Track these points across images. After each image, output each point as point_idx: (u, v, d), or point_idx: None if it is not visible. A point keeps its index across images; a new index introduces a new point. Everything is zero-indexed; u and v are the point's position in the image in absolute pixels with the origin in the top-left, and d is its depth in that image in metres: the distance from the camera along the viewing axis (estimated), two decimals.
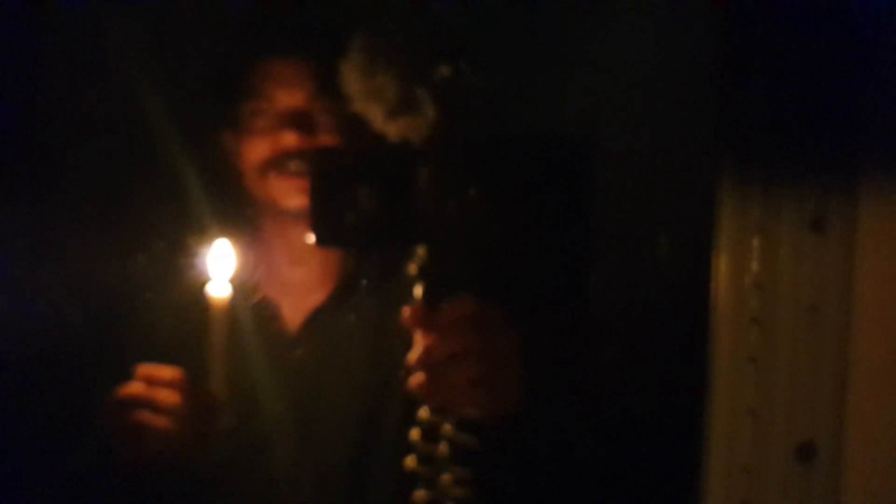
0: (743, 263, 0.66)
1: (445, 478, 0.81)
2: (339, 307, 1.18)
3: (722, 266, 0.67)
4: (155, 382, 0.93)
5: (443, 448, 0.81)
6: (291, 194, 1.12)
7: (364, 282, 1.19)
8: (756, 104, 0.69)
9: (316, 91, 1.12)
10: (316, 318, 1.18)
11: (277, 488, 1.08)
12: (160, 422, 0.91)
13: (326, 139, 1.13)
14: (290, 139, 1.11)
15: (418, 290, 0.80)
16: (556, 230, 0.77)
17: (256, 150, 1.14)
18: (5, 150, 1.13)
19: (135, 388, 0.93)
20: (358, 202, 0.78)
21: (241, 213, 1.21)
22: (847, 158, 0.66)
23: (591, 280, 0.78)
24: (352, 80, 0.83)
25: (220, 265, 0.99)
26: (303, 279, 1.19)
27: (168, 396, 0.92)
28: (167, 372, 0.94)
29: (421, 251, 0.80)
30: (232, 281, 0.97)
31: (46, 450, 1.02)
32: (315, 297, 1.19)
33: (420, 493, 0.82)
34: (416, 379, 0.79)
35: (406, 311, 0.79)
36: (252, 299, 1.15)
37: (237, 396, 1.00)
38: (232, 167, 1.19)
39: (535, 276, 0.79)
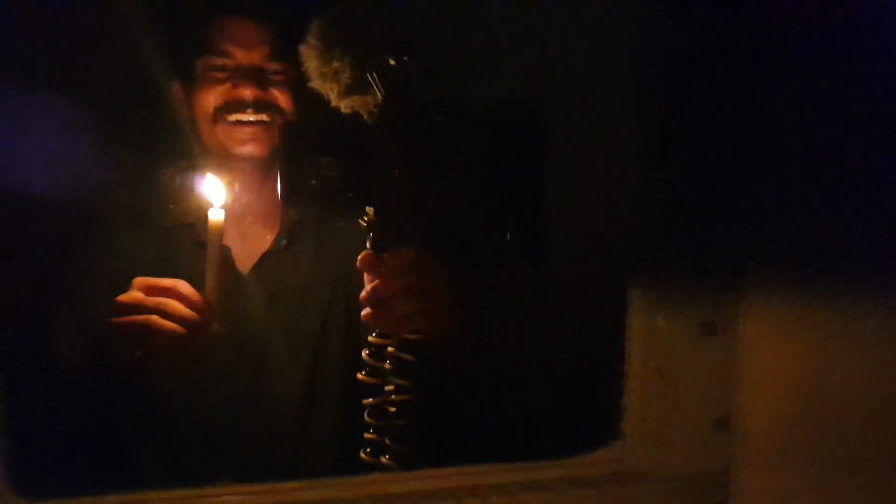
0: None
1: (388, 387, 1.02)
2: (284, 251, 1.35)
3: None
4: (155, 290, 1.08)
5: (387, 365, 1.02)
6: (243, 142, 1.26)
7: (304, 230, 1.36)
8: None
9: (270, 50, 1.26)
10: (263, 261, 1.34)
11: (239, 410, 1.26)
12: (166, 323, 1.06)
13: (277, 93, 1.27)
14: (246, 92, 1.24)
15: (368, 242, 0.99)
16: (490, 190, 0.97)
17: (209, 99, 1.27)
18: None
19: (135, 295, 1.08)
20: (320, 169, 0.95)
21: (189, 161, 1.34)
22: None
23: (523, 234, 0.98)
24: (311, 62, 0.99)
25: (215, 194, 1.14)
26: (250, 227, 1.34)
27: (170, 301, 1.07)
28: (167, 281, 1.09)
29: (369, 210, 0.98)
30: (223, 207, 1.12)
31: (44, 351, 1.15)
32: (262, 243, 1.35)
33: (368, 401, 1.03)
34: (366, 311, 0.99)
35: (358, 258, 0.98)
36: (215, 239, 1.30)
37: None
38: (183, 116, 1.32)
39: (466, 231, 1.00)
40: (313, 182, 0.95)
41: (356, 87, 0.97)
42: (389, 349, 1.02)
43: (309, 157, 0.94)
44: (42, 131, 1.28)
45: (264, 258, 1.35)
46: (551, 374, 1.06)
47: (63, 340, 1.15)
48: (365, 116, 0.99)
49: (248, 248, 1.35)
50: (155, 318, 1.07)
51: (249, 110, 1.23)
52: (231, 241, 1.33)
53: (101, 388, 1.12)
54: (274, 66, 1.26)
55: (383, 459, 1.02)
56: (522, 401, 1.08)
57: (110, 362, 1.10)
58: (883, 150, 0.82)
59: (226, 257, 1.31)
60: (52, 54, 1.26)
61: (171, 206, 1.31)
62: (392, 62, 0.94)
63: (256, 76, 1.25)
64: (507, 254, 1.00)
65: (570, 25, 1.00)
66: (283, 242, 1.35)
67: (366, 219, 0.98)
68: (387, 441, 1.02)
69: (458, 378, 1.04)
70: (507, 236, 1.01)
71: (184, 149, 1.32)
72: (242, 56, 1.26)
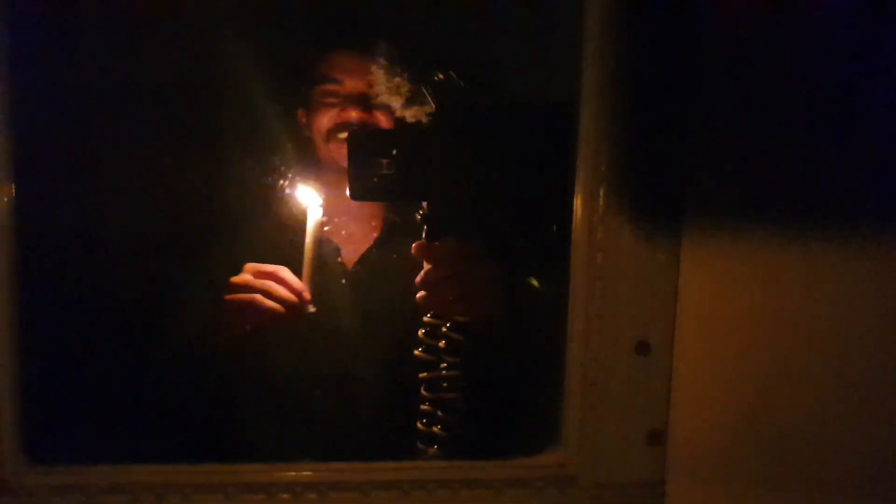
0: None
1: (442, 364, 1.15)
2: (383, 249, 1.52)
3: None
4: (261, 274, 1.29)
5: (441, 343, 1.14)
6: None
7: (400, 231, 1.52)
8: None
9: (371, 77, 1.44)
10: (365, 258, 1.52)
11: (330, 389, 1.43)
12: (268, 302, 1.27)
13: (379, 114, 1.45)
14: (353, 114, 1.44)
15: (423, 233, 1.12)
16: (531, 185, 1.07)
17: (324, 121, 1.48)
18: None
19: (244, 277, 1.30)
20: (380, 169, 1.10)
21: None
22: None
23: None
24: (379, 78, 1.16)
25: (314, 197, 1.35)
26: (355, 227, 1.53)
27: (274, 284, 1.28)
28: (271, 267, 1.29)
29: (424, 204, 1.12)
30: (321, 206, 1.32)
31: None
32: (366, 242, 1.53)
33: (423, 375, 1.16)
34: (420, 294, 1.13)
35: (413, 248, 1.12)
36: (322, 240, 1.50)
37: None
38: (304, 137, 1.54)
39: (511, 222, 1.11)
40: (375, 180, 1.10)
41: (414, 98, 1.12)
42: (443, 329, 1.14)
43: (371, 159, 1.10)
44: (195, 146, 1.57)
45: (366, 255, 1.53)
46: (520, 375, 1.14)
47: (191, 314, 1.39)
48: (423, 123, 1.13)
49: (354, 247, 1.54)
50: (259, 296, 1.28)
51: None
52: (340, 240, 1.53)
53: (214, 356, 1.34)
54: (372, 89, 1.43)
55: (435, 429, 1.14)
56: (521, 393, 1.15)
57: (225, 333, 1.32)
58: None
59: (330, 252, 1.51)
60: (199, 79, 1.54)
61: (288, 207, 1.52)
62: (440, 76, 1.08)
63: (361, 101, 1.44)
64: (550, 245, 1.09)
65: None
66: (381, 243, 1.52)
67: (421, 212, 1.12)
68: (439, 413, 1.14)
69: (503, 356, 1.14)
70: (554, 228, 1.10)
71: (300, 160, 1.55)
72: (350, 83, 1.45)
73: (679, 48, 0.83)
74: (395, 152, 1.10)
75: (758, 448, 0.89)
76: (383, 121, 1.44)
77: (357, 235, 1.55)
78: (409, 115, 1.14)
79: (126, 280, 1.35)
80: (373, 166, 1.11)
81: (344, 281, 1.51)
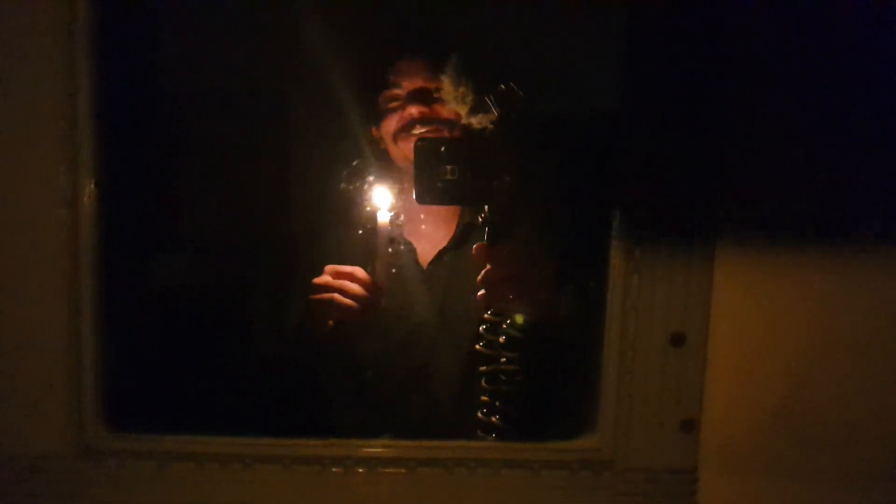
0: None
1: (501, 359, 1.21)
2: (457, 249, 1.60)
3: None
4: (339, 275, 1.40)
5: (500, 339, 1.21)
6: None
7: (474, 231, 1.59)
8: None
9: (429, 74, 1.52)
10: (440, 257, 1.60)
11: (409, 378, 1.53)
12: (344, 300, 1.38)
13: (439, 107, 1.52)
14: (413, 111, 1.52)
15: (485, 235, 1.19)
16: (583, 191, 1.13)
17: (391, 124, 1.57)
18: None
19: (324, 278, 1.41)
20: (444, 175, 1.18)
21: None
22: None
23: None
24: (447, 88, 1.23)
25: (384, 201, 1.45)
26: (430, 228, 1.62)
27: (350, 284, 1.39)
28: (348, 268, 1.40)
29: (486, 207, 1.19)
30: (390, 210, 1.43)
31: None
32: (440, 241, 1.61)
33: (483, 368, 1.23)
34: (481, 293, 1.20)
35: (474, 249, 1.19)
36: (399, 240, 1.60)
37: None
38: (380, 150, 1.64)
39: (566, 227, 1.16)
40: (439, 185, 1.18)
41: (479, 107, 1.19)
42: (503, 326, 1.21)
43: (436, 165, 1.18)
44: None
45: (441, 254, 1.61)
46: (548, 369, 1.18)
47: (283, 309, 1.51)
48: (486, 131, 1.20)
49: (430, 246, 1.62)
50: (337, 295, 1.39)
51: (418, 126, 1.51)
52: (417, 239, 1.61)
53: (303, 347, 1.46)
54: (434, 84, 1.51)
55: (494, 419, 1.21)
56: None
57: (311, 327, 1.44)
58: None
59: (407, 251, 1.60)
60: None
61: (366, 213, 1.63)
62: (502, 87, 1.15)
63: (421, 97, 1.52)
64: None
65: None
66: (456, 242, 1.59)
67: (483, 216, 1.19)
68: (497, 403, 1.21)
69: (558, 352, 1.20)
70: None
71: (376, 165, 1.65)
72: (409, 84, 1.54)
73: (708, 60, 0.87)
74: (458, 159, 1.18)
75: (788, 438, 0.92)
76: (443, 113, 1.52)
77: (434, 236, 1.63)
78: (475, 122, 1.21)
79: (209, 276, 1.49)
80: (438, 172, 1.19)
81: (419, 279, 1.60)
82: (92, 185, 0.97)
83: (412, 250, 1.62)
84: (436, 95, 1.51)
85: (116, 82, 1.03)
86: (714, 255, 0.90)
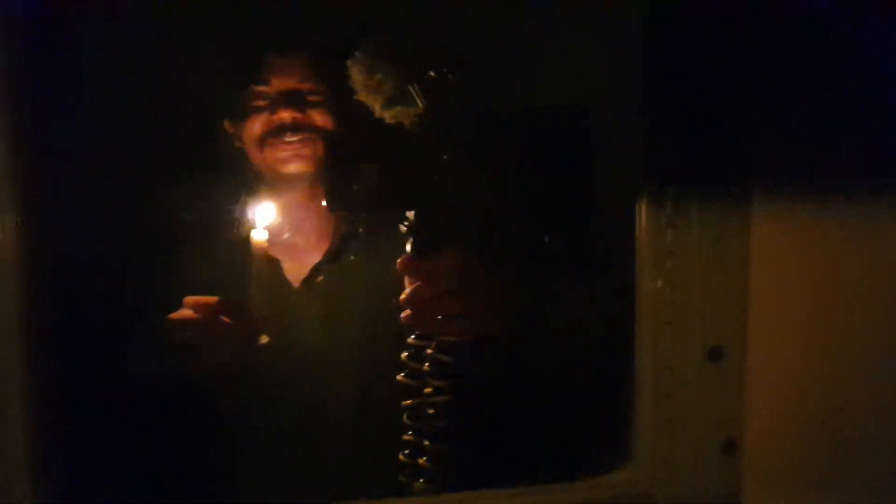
0: None
1: (427, 389, 1.04)
2: (334, 264, 1.40)
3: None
4: (201, 308, 1.14)
5: (426, 366, 1.04)
6: (286, 160, 1.34)
7: (354, 242, 1.41)
8: None
9: (305, 73, 1.33)
10: (314, 274, 1.39)
11: (294, 422, 1.30)
12: (212, 338, 1.12)
13: (314, 113, 1.34)
14: (285, 115, 1.32)
15: (408, 245, 1.02)
16: (525, 192, 1.00)
17: (255, 127, 1.35)
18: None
19: (183, 312, 1.14)
20: (361, 176, 0.99)
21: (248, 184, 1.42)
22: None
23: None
24: (356, 75, 1.05)
25: (259, 216, 1.22)
26: (300, 241, 1.40)
27: (215, 318, 1.13)
28: (212, 299, 1.14)
29: (410, 214, 1.02)
30: (267, 229, 1.20)
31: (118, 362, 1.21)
32: (314, 256, 1.40)
33: (407, 402, 1.05)
34: (406, 313, 1.02)
35: (399, 262, 1.01)
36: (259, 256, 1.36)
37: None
38: (236, 148, 1.41)
39: (505, 231, 1.03)
40: (355, 188, 1.00)
41: (398, 98, 1.02)
42: (428, 351, 1.04)
43: (351, 165, 0.99)
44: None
45: (315, 271, 1.40)
46: (569, 391, 1.07)
47: (130, 354, 1.21)
48: (407, 126, 1.03)
49: (300, 262, 1.41)
50: (204, 333, 1.13)
51: (288, 133, 1.31)
52: (283, 255, 1.39)
53: (161, 397, 1.18)
54: (309, 86, 1.33)
55: (421, 461, 1.04)
56: (539, 415, 1.08)
57: (171, 372, 1.16)
58: None
59: (276, 271, 1.37)
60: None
61: (229, 225, 1.38)
62: (433, 74, 0.99)
63: (293, 99, 1.32)
64: (547, 256, 1.03)
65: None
66: (333, 255, 1.40)
67: (406, 223, 1.02)
68: (426, 442, 1.04)
69: (495, 378, 1.06)
70: (546, 239, 1.04)
71: (240, 172, 1.41)
72: (279, 83, 1.33)
73: (739, 48, 0.79)
74: (378, 157, 1.00)
75: (836, 456, 0.86)
76: (318, 119, 1.34)
77: (302, 248, 1.42)
78: (389, 115, 1.03)
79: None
80: (353, 172, 1.00)
81: (291, 301, 1.38)
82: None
83: (277, 266, 1.39)
84: (310, 99, 1.32)
85: None
86: (749, 259, 0.82)
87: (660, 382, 0.86)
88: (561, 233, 0.99)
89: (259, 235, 1.19)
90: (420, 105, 1.00)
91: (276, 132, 1.34)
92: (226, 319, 1.14)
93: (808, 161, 0.83)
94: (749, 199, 0.81)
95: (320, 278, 1.39)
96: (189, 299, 1.15)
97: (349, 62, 1.05)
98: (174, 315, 1.15)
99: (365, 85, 1.04)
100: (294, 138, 1.33)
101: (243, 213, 1.34)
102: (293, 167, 1.33)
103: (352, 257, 1.40)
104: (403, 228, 1.02)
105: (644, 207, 0.84)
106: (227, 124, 1.42)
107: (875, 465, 0.87)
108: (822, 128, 0.83)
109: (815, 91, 0.82)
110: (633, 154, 0.83)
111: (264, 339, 1.18)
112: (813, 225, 0.83)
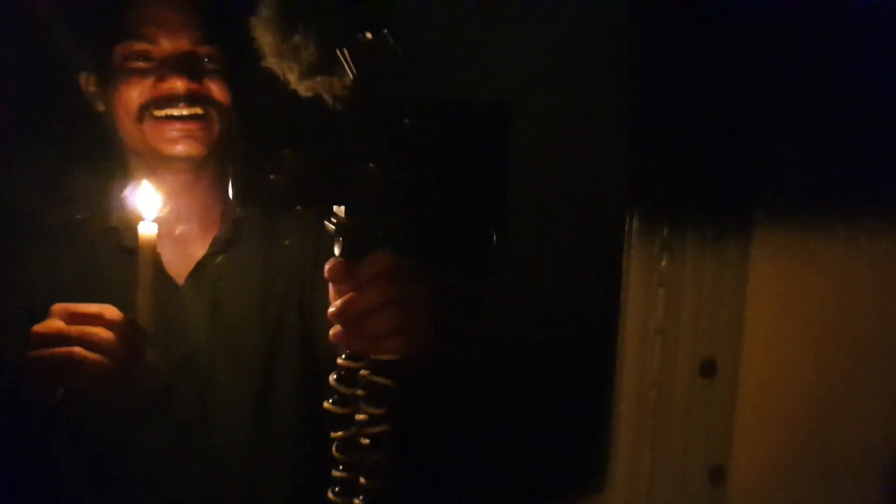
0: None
1: (360, 417, 0.88)
2: (223, 255, 1.19)
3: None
4: (76, 318, 0.90)
5: (359, 391, 0.87)
6: (174, 140, 1.10)
7: (248, 228, 1.20)
8: None
9: (202, 32, 1.10)
10: (200, 268, 1.18)
11: (179, 442, 1.10)
12: (90, 355, 0.89)
13: (212, 83, 1.11)
14: (178, 84, 1.08)
15: (336, 248, 0.84)
16: (470, 189, 0.85)
17: (133, 94, 1.10)
18: None
19: (54, 324, 0.90)
20: (280, 163, 0.80)
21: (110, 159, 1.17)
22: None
23: (501, 235, 0.86)
24: (265, 37, 0.84)
25: (146, 205, 0.98)
26: (184, 231, 1.18)
27: (96, 330, 0.90)
28: (91, 307, 0.92)
29: (338, 209, 0.84)
30: (156, 221, 0.97)
31: None
32: (199, 248, 1.19)
33: (337, 434, 0.88)
34: (335, 330, 0.84)
35: (326, 267, 0.83)
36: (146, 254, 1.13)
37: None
38: (95, 112, 1.15)
39: (449, 232, 0.87)
40: (272, 177, 0.80)
41: (321, 65, 0.82)
42: (362, 373, 0.87)
43: (267, 150, 0.79)
44: None
45: (201, 265, 1.18)
46: (537, 410, 0.94)
47: None
48: (329, 101, 0.84)
49: (183, 255, 1.19)
50: (78, 349, 0.90)
51: (182, 104, 1.07)
52: (163, 247, 1.15)
53: (17, 430, 0.94)
54: (207, 50, 1.09)
55: (356, 501, 0.87)
56: (504, 437, 0.95)
57: (28, 400, 0.93)
58: None
59: (158, 266, 1.14)
60: None
61: (90, 210, 1.13)
62: (368, 36, 0.80)
63: (187, 64, 1.09)
64: (491, 257, 0.88)
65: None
66: (223, 246, 1.18)
67: (335, 220, 0.84)
68: (361, 479, 0.88)
69: (440, 403, 0.91)
70: (494, 238, 0.89)
71: (102, 148, 1.16)
72: (168, 42, 1.09)
73: (745, 57, 0.68)
74: (301, 140, 0.81)
75: (825, 484, 0.78)
76: (218, 91, 1.11)
77: (184, 238, 1.20)
78: (307, 87, 0.83)
79: None
80: (269, 158, 0.80)
81: (175, 301, 1.16)
82: None
83: (157, 260, 1.16)
84: (207, 66, 1.09)
85: None
86: (747, 269, 0.71)
87: (644, 399, 0.75)
88: (500, 234, 0.85)
89: (147, 229, 0.96)
90: (350, 74, 0.81)
91: (161, 103, 1.09)
92: (105, 332, 0.91)
93: (809, 177, 0.76)
94: (750, 224, 0.71)
95: (207, 273, 1.18)
96: (59, 307, 0.92)
97: (255, 20, 0.83)
98: (39, 327, 0.91)
99: (278, 49, 0.83)
100: (186, 112, 1.09)
101: (110, 198, 1.10)
102: (181, 148, 1.09)
103: (245, 246, 1.20)
104: (331, 227, 0.84)
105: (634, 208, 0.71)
106: (85, 79, 1.15)
107: (868, 496, 0.81)
108: (821, 143, 0.75)
109: (819, 106, 0.74)
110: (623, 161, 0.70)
111: (151, 357, 0.96)
112: (812, 244, 0.75)
